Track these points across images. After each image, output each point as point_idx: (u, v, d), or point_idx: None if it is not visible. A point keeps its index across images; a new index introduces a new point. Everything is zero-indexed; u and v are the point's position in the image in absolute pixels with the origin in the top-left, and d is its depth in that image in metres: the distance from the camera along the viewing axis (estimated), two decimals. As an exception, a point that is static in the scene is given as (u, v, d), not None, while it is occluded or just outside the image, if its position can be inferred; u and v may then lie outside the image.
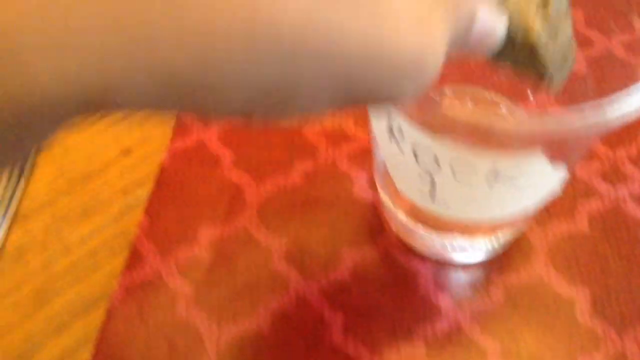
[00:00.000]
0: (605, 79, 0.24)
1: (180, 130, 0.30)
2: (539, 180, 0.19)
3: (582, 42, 0.22)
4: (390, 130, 0.19)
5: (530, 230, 0.27)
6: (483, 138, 0.16)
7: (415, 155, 0.19)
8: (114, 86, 0.09)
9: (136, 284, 0.26)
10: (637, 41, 0.21)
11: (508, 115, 0.28)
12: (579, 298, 0.25)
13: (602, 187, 0.28)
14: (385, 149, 0.21)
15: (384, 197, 0.26)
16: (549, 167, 0.19)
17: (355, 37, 0.10)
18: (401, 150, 0.19)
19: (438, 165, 0.19)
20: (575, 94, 0.28)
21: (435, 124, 0.15)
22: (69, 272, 0.27)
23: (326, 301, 0.25)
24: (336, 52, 0.10)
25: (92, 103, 0.09)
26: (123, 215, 0.28)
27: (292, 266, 0.26)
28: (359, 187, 0.28)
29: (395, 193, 0.23)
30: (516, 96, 0.29)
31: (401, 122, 0.18)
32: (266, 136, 0.30)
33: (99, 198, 0.29)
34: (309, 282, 0.26)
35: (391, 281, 0.26)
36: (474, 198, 0.20)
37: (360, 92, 0.11)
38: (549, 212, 0.27)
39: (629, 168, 0.29)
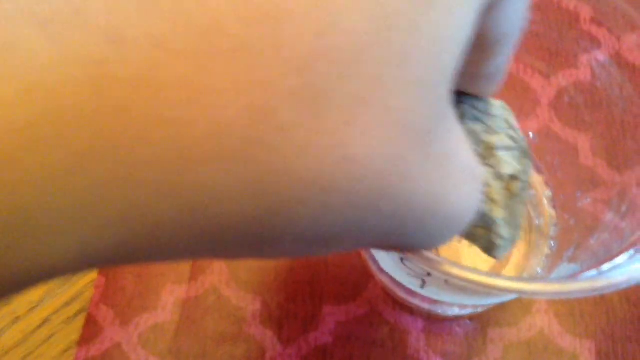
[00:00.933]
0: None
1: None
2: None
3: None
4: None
5: (530, 275, 0.24)
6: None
7: (403, 263, 0.16)
8: (141, 249, 0.08)
9: (95, 358, 0.23)
10: None
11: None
12: (583, 352, 0.23)
13: (608, 218, 0.25)
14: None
15: (369, 261, 0.23)
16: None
17: (425, 194, 0.09)
18: (386, 253, 0.16)
19: (430, 275, 0.16)
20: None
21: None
22: (20, 345, 0.24)
23: (307, 369, 0.23)
24: (402, 206, 0.09)
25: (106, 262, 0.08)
26: (76, 276, 0.25)
27: (269, 328, 0.24)
28: (340, 230, 0.25)
29: (378, 267, 0.20)
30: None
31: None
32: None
33: (46, 257, 0.25)
34: (288, 346, 0.23)
35: (378, 341, 0.23)
36: (468, 296, 0.17)
37: (397, 239, 0.10)
38: (550, 253, 0.24)
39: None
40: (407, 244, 0.10)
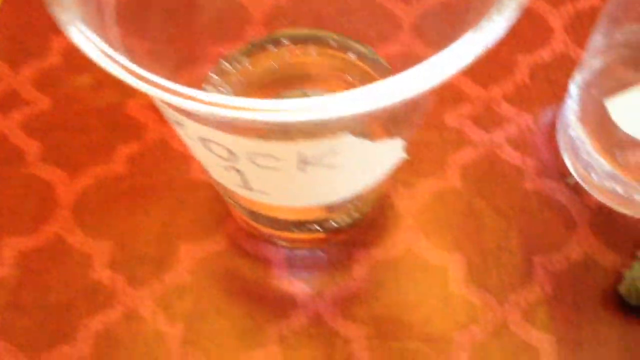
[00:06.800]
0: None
1: (-29, 122, 0.25)
2: (361, 158, 0.15)
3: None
4: (171, 119, 0.15)
5: (396, 193, 0.23)
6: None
7: (205, 146, 0.15)
8: None
9: None
10: None
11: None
12: (453, 264, 0.22)
13: (474, 133, 0.25)
14: (178, 133, 0.17)
15: (224, 195, 0.21)
16: (370, 144, 0.15)
17: None
18: (189, 138, 0.15)
19: (233, 155, 0.14)
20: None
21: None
22: None
23: (161, 311, 0.21)
24: None
25: None
26: None
27: (119, 273, 0.22)
28: (198, 167, 0.24)
29: (217, 183, 0.19)
30: (373, 39, 0.25)
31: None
32: (81, 118, 0.25)
33: None
34: (140, 290, 0.21)
35: (240, 275, 0.22)
36: (292, 184, 0.16)
37: None
38: (416, 170, 0.23)
39: (505, 108, 0.25)
40: None
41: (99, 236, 0.22)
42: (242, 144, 0.14)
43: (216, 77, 0.23)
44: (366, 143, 0.15)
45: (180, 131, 0.16)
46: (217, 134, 0.14)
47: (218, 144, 0.15)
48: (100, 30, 0.14)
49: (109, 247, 0.22)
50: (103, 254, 0.22)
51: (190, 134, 0.15)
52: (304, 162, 0.15)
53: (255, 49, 0.24)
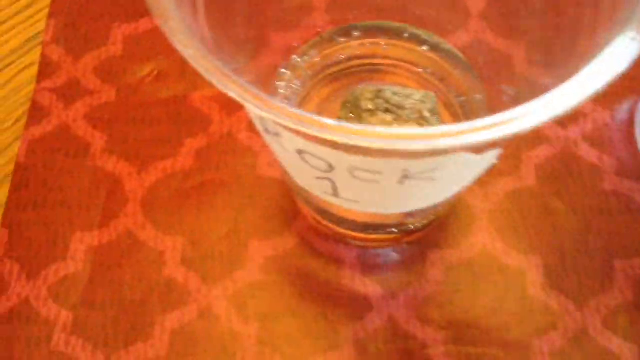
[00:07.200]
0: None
1: (35, 112, 0.24)
2: (462, 169, 0.15)
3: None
4: (265, 128, 0.14)
5: (470, 193, 0.23)
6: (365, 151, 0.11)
7: (302, 158, 0.14)
8: None
9: (2, 316, 0.21)
10: None
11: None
12: (530, 268, 0.21)
13: (550, 129, 0.24)
14: (267, 140, 0.16)
15: (295, 193, 0.21)
16: (472, 157, 0.14)
17: None
18: (284, 148, 0.15)
19: (332, 168, 0.14)
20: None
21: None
22: None
23: (235, 310, 0.21)
24: None
25: None
26: (-25, 231, 0.23)
27: (192, 271, 0.22)
28: (265, 162, 0.23)
29: (294, 183, 0.18)
30: (442, 29, 0.24)
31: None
32: (145, 110, 0.24)
33: (-59, 213, 0.23)
34: (214, 289, 0.21)
35: (311, 273, 0.22)
36: (386, 195, 0.15)
37: None
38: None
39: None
40: None
41: (170, 232, 0.22)
42: (345, 159, 0.14)
43: (287, 72, 0.22)
44: (473, 157, 0.15)
45: (272, 140, 0.16)
46: (318, 148, 0.14)
47: (317, 158, 0.14)
48: (193, 20, 0.14)
49: (181, 244, 0.22)
50: (175, 251, 0.22)
51: (286, 146, 0.15)
52: (405, 177, 0.14)
53: (324, 42, 0.23)
